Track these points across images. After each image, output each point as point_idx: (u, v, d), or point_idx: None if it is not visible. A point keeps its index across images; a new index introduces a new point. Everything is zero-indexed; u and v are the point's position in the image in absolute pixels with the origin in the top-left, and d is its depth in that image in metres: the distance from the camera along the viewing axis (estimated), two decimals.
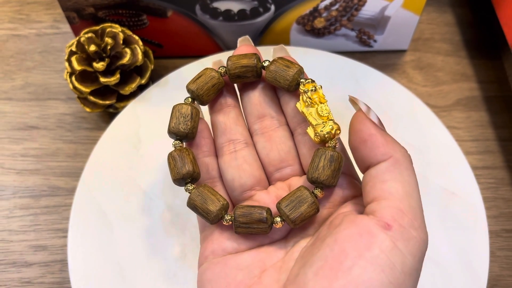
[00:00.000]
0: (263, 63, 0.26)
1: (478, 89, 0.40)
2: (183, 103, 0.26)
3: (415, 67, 0.41)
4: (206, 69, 0.26)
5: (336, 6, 0.37)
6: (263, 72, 0.26)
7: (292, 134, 0.27)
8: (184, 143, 0.26)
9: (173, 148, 0.25)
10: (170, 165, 0.25)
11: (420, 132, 0.36)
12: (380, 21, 0.39)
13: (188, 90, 0.26)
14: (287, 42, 0.41)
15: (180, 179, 0.25)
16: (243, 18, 0.38)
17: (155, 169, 0.35)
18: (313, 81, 0.25)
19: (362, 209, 0.23)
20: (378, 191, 0.21)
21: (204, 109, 0.29)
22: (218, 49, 0.41)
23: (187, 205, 0.25)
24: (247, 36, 0.28)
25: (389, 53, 0.42)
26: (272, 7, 0.37)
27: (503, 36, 0.39)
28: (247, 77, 0.26)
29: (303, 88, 0.25)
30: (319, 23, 0.39)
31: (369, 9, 0.38)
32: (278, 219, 0.24)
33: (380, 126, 0.22)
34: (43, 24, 0.44)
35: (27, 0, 0.45)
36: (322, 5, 0.37)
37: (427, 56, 0.42)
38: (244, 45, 0.27)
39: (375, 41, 0.41)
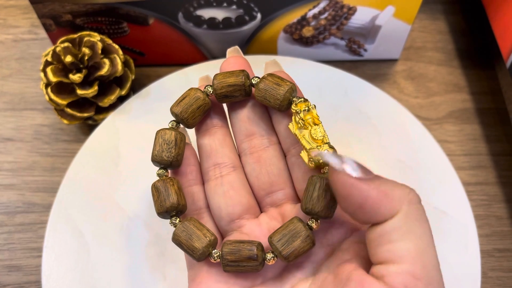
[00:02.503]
0: (253, 80, 0.24)
1: (471, 100, 0.39)
2: (166, 129, 0.24)
3: (407, 77, 0.40)
4: (191, 89, 0.24)
5: (325, 15, 0.36)
6: (253, 90, 0.24)
7: (284, 154, 0.25)
8: (169, 171, 0.24)
9: (157, 177, 0.24)
10: (153, 197, 0.23)
11: (410, 148, 0.35)
12: (370, 30, 0.37)
13: (172, 113, 0.24)
14: (275, 51, 0.39)
15: (164, 213, 0.23)
16: (228, 27, 0.37)
17: (135, 186, 0.33)
18: (305, 100, 0.23)
19: (366, 250, 0.21)
20: (386, 253, 0.19)
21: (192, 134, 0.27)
22: (203, 57, 0.40)
23: (172, 241, 0.23)
24: (237, 47, 0.26)
25: (380, 62, 0.40)
26: (259, 16, 0.36)
27: (496, 45, 0.37)
28: (235, 97, 0.24)
29: (295, 108, 0.23)
30: (308, 32, 0.37)
31: (359, 18, 0.36)
32: (270, 255, 0.22)
33: (367, 175, 0.19)
34: (20, 29, 0.42)
35: (3, 4, 0.43)
36: (311, 13, 0.36)
37: (419, 65, 0.40)
38: (233, 57, 0.25)
39: (365, 50, 0.39)
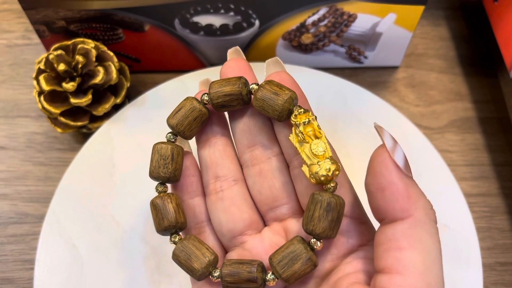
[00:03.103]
0: (251, 87, 0.22)
1: (473, 109, 0.38)
2: (163, 142, 0.23)
3: (408, 85, 0.39)
4: (187, 99, 0.23)
5: (325, 22, 0.35)
6: (253, 99, 0.23)
7: (287, 165, 0.24)
8: (168, 185, 0.23)
9: (153, 190, 0.23)
10: (152, 215, 0.23)
11: (411, 158, 0.34)
12: (371, 38, 0.36)
13: (169, 125, 0.23)
14: None
15: (163, 231, 0.22)
16: (226, 33, 0.36)
17: (130, 198, 0.32)
18: (306, 111, 0.21)
19: (370, 266, 0.20)
20: (392, 260, 0.18)
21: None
22: (200, 64, 0.39)
23: (172, 259, 0.22)
24: (238, 48, 0.25)
25: (381, 69, 0.40)
26: (257, 22, 0.35)
27: (499, 52, 0.37)
28: (233, 106, 0.23)
29: (295, 120, 0.21)
30: (307, 39, 0.37)
31: (360, 25, 0.35)
32: (271, 276, 0.21)
33: (405, 171, 0.18)
34: (14, 34, 0.41)
35: None
36: (310, 20, 0.35)
37: (420, 73, 0.40)
38: (234, 59, 0.24)
39: (365, 57, 0.38)
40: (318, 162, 0.21)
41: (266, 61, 0.25)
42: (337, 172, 0.21)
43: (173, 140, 0.23)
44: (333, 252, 0.21)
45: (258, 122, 0.23)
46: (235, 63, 0.23)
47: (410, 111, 0.38)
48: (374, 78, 0.39)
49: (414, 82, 0.39)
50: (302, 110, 0.22)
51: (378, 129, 0.20)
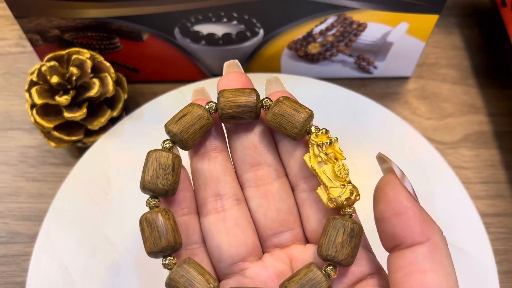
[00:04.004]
0: (264, 102, 0.21)
1: (489, 122, 0.36)
2: (162, 150, 0.20)
3: (419, 96, 0.37)
4: (192, 105, 0.21)
5: (333, 31, 0.33)
6: (262, 112, 0.22)
7: (292, 188, 0.22)
8: (160, 199, 0.21)
9: (147, 208, 0.20)
10: (143, 233, 0.20)
11: (423, 176, 0.32)
12: (381, 48, 0.35)
13: (169, 132, 0.21)
14: (278, 69, 0.37)
15: (158, 252, 0.20)
16: (229, 43, 0.34)
17: (127, 218, 0.31)
18: (327, 131, 0.20)
19: None
20: (417, 283, 0.17)
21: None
22: (201, 74, 0.37)
23: (166, 286, 0.20)
24: (236, 61, 0.23)
25: (391, 80, 0.38)
26: (261, 31, 0.33)
27: None
28: (243, 118, 0.21)
29: (316, 140, 0.20)
30: (314, 48, 0.35)
31: (370, 35, 0.34)
32: None
33: (416, 199, 0.19)
34: (7, 41, 0.40)
35: None
36: (317, 30, 0.33)
37: (432, 84, 0.38)
38: (236, 72, 0.22)
39: (375, 67, 0.37)
40: (340, 186, 0.20)
41: (266, 79, 0.23)
42: (358, 198, 0.20)
43: (170, 149, 0.21)
44: (344, 281, 0.20)
45: (264, 140, 0.22)
46: (237, 76, 0.22)
47: (421, 125, 0.36)
48: (384, 89, 0.37)
49: (425, 93, 0.37)
50: (323, 130, 0.21)
51: (385, 158, 0.19)
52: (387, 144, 0.33)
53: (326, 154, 0.20)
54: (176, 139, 0.21)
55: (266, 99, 0.21)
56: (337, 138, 0.20)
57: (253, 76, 0.32)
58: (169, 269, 0.20)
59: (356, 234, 0.19)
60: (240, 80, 0.22)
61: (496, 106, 0.37)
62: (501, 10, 0.37)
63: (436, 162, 0.32)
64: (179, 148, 0.22)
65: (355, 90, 0.34)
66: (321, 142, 0.20)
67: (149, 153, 0.21)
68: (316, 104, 0.35)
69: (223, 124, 0.22)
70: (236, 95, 0.21)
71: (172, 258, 0.20)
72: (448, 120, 0.36)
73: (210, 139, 0.22)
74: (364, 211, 0.24)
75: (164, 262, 0.20)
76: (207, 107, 0.21)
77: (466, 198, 0.31)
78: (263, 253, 0.22)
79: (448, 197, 0.32)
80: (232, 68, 0.23)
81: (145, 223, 0.20)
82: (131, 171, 0.32)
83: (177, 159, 0.21)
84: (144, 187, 0.20)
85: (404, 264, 0.18)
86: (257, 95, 0.21)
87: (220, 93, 0.21)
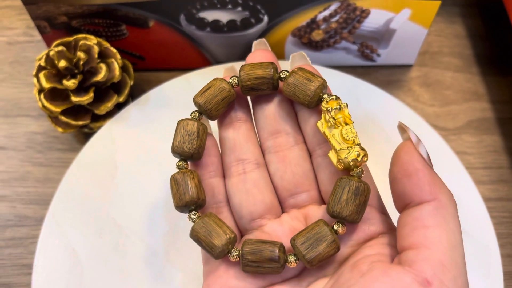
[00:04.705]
0: (281, 74, 0.23)
1: (491, 109, 0.36)
2: (189, 119, 0.23)
3: (422, 84, 0.38)
4: (216, 79, 0.23)
5: (336, 18, 0.34)
6: (280, 84, 0.23)
7: (309, 154, 0.24)
8: (189, 163, 0.23)
9: (176, 170, 0.23)
10: (172, 190, 0.22)
11: None
12: (384, 35, 0.35)
13: (195, 103, 0.23)
14: (282, 56, 0.37)
15: (183, 206, 0.22)
16: (233, 30, 0.34)
17: (132, 201, 0.31)
18: (337, 98, 0.22)
19: (392, 251, 0.20)
20: (419, 237, 0.19)
21: (213, 123, 0.26)
22: (206, 62, 0.37)
23: (190, 237, 0.22)
24: (264, 40, 0.25)
25: (394, 68, 0.38)
26: (265, 18, 0.34)
27: None
28: (262, 90, 0.23)
29: (326, 106, 0.22)
30: (317, 35, 0.35)
31: (373, 22, 0.34)
32: (292, 258, 0.21)
33: (429, 163, 0.20)
34: (15, 31, 0.40)
35: None
36: (321, 16, 0.34)
37: (435, 72, 0.38)
38: (260, 50, 0.24)
39: (378, 55, 0.37)
40: (348, 148, 0.21)
41: (292, 54, 0.25)
42: (365, 159, 0.21)
43: (198, 118, 0.23)
44: (354, 238, 0.21)
45: (283, 110, 0.24)
46: (262, 53, 0.24)
47: (424, 111, 0.36)
48: (387, 77, 0.38)
49: (428, 81, 0.38)
50: (333, 97, 0.22)
51: (404, 127, 0.21)
52: (391, 129, 0.33)
53: (334, 118, 0.21)
54: (202, 109, 0.23)
55: (283, 71, 0.23)
56: (346, 104, 0.22)
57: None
58: (193, 222, 0.22)
59: (361, 193, 0.20)
60: (265, 57, 0.24)
61: (498, 94, 0.37)
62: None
63: (439, 147, 0.33)
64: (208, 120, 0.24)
65: (358, 77, 0.35)
66: (330, 108, 0.21)
67: (178, 122, 0.23)
68: None
69: (248, 98, 0.24)
70: (255, 68, 0.23)
71: (196, 212, 0.22)
72: (451, 107, 0.37)
73: (235, 111, 0.24)
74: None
75: (189, 216, 0.22)
76: (230, 81, 0.23)
77: (469, 182, 0.32)
78: (283, 212, 0.24)
79: (451, 181, 0.32)
80: (259, 46, 0.25)
81: (173, 182, 0.22)
82: (137, 155, 0.33)
83: (201, 126, 0.23)
84: (173, 151, 0.23)
85: (410, 220, 0.19)
86: (274, 68, 0.23)
87: (241, 67, 0.23)
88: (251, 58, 0.24)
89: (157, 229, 0.30)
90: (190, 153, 0.22)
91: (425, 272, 0.18)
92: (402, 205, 0.20)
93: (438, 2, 0.32)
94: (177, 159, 0.23)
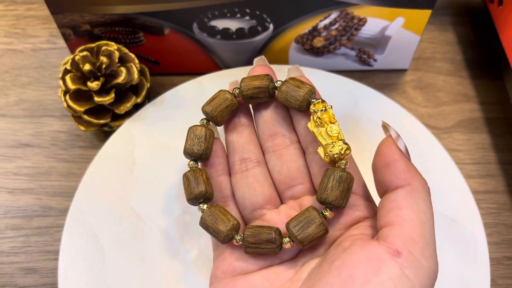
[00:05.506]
0: (276, 83, 0.26)
1: (480, 110, 0.39)
2: (197, 125, 0.26)
3: (416, 87, 0.40)
4: (221, 91, 0.27)
5: (336, 26, 0.37)
6: (276, 92, 0.27)
7: (303, 151, 0.27)
8: (199, 163, 0.27)
9: (188, 168, 0.26)
10: (184, 185, 0.26)
11: (420, 155, 0.35)
12: (380, 41, 0.38)
13: (203, 111, 0.27)
14: (286, 61, 0.40)
15: (193, 199, 0.25)
16: (241, 37, 0.38)
17: (149, 192, 0.34)
18: (323, 101, 0.25)
19: (374, 231, 0.23)
20: (393, 216, 0.21)
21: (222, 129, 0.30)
22: (216, 66, 0.41)
23: (200, 225, 0.25)
24: (263, 56, 0.29)
25: (389, 72, 0.41)
26: (271, 26, 0.37)
27: (504, 55, 0.38)
28: (260, 98, 0.26)
29: (313, 108, 0.25)
30: (318, 42, 0.38)
31: (369, 29, 0.37)
32: (287, 239, 0.24)
33: (406, 155, 0.22)
34: (39, 39, 0.43)
35: (23, 14, 0.45)
36: (322, 24, 0.37)
37: (427, 75, 0.41)
38: (260, 65, 0.28)
39: (375, 60, 0.40)
40: (332, 142, 0.24)
41: (288, 67, 0.29)
42: (348, 152, 0.24)
43: (206, 124, 0.27)
44: (342, 222, 0.24)
45: (279, 115, 0.27)
46: (261, 68, 0.28)
47: (418, 112, 0.39)
48: (384, 80, 0.41)
49: (422, 84, 0.41)
50: (319, 100, 0.25)
51: (386, 125, 0.24)
52: None
53: (320, 118, 0.24)
54: (209, 117, 0.27)
55: (278, 81, 0.26)
56: (331, 106, 0.25)
57: (276, 67, 0.36)
58: (202, 212, 0.25)
59: (345, 180, 0.23)
60: (263, 71, 0.28)
61: (487, 95, 0.40)
62: (489, 6, 0.40)
63: (432, 144, 0.35)
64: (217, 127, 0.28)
65: (357, 81, 0.38)
66: (317, 109, 0.25)
67: (189, 128, 0.27)
68: (321, 92, 0.38)
69: (250, 106, 0.28)
70: (253, 80, 0.26)
71: (204, 204, 0.25)
72: (442, 107, 0.39)
73: (238, 117, 0.28)
74: (369, 180, 0.27)
75: (199, 207, 0.25)
76: (233, 92, 0.27)
77: (459, 177, 0.34)
78: (282, 203, 0.27)
79: (442, 175, 0.35)
80: (259, 62, 0.28)
81: (185, 178, 0.26)
82: (153, 151, 0.35)
83: (208, 131, 0.26)
84: (185, 152, 0.26)
85: (387, 203, 0.22)
86: (270, 79, 0.26)
87: (242, 80, 0.27)
88: (252, 73, 0.27)
89: (171, 216, 0.33)
90: (199, 154, 0.26)
91: (396, 244, 0.20)
92: (382, 191, 0.23)
93: (429, 11, 0.35)
94: (189, 160, 0.26)
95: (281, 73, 0.34)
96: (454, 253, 0.32)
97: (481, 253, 0.32)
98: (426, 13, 0.36)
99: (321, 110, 0.24)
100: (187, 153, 0.26)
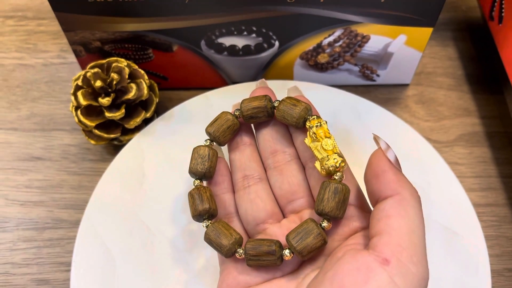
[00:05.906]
0: (274, 103, 0.28)
1: (481, 124, 0.40)
2: (201, 145, 0.28)
3: (418, 101, 0.41)
4: (223, 112, 0.28)
5: (340, 43, 0.38)
6: (275, 111, 0.28)
7: (303, 166, 0.28)
8: (204, 181, 0.28)
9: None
10: (189, 203, 0.27)
11: (421, 169, 0.36)
12: (383, 57, 0.39)
13: (207, 132, 0.28)
14: (291, 77, 0.41)
15: (198, 216, 0.26)
16: (248, 53, 0.39)
17: (159, 204, 0.35)
18: (318, 117, 0.26)
19: (368, 241, 0.23)
20: (382, 225, 0.22)
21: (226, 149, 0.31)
22: (223, 82, 0.42)
23: (204, 240, 0.26)
24: (264, 79, 0.30)
25: (392, 87, 0.42)
26: (277, 43, 0.38)
27: (504, 70, 0.39)
28: (259, 117, 0.28)
29: (309, 124, 0.26)
30: (323, 58, 0.39)
31: (372, 46, 0.38)
32: (287, 251, 0.25)
33: (396, 165, 0.23)
34: (50, 53, 0.44)
35: (34, 29, 0.46)
36: (326, 41, 0.38)
37: (429, 90, 0.42)
38: (260, 88, 0.29)
39: (378, 75, 0.41)
40: (327, 156, 0.25)
41: (287, 88, 0.30)
42: (343, 164, 0.25)
43: (210, 144, 0.28)
44: (340, 233, 0.25)
45: (279, 133, 0.28)
46: (261, 90, 0.29)
47: (420, 126, 0.40)
48: (386, 95, 0.42)
49: (424, 98, 0.42)
50: (315, 116, 0.26)
51: (376, 137, 0.25)
52: (389, 142, 0.37)
53: (315, 133, 0.25)
54: (212, 137, 0.28)
55: (276, 101, 0.28)
56: (326, 121, 0.26)
57: (269, 83, 0.37)
58: (206, 227, 0.26)
59: (340, 192, 0.24)
60: (264, 93, 0.29)
61: (487, 110, 0.41)
62: (489, 24, 0.41)
63: (433, 158, 0.36)
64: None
65: (359, 95, 0.39)
66: (312, 125, 0.26)
67: (193, 149, 0.28)
68: (325, 107, 0.39)
69: (252, 126, 0.29)
70: (252, 100, 0.28)
71: (209, 221, 0.26)
72: (444, 122, 0.40)
73: (240, 136, 0.29)
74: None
75: (203, 224, 0.26)
76: (235, 112, 0.28)
77: (461, 190, 0.35)
78: (284, 217, 0.28)
79: (444, 189, 0.35)
80: (260, 85, 0.30)
81: (190, 196, 0.27)
82: (163, 164, 0.36)
83: (211, 151, 0.28)
84: (190, 171, 0.27)
85: (377, 212, 0.23)
86: (268, 99, 0.28)
87: (242, 101, 0.28)
88: (253, 94, 0.29)
89: (181, 229, 0.34)
90: (202, 172, 0.27)
91: (385, 253, 0.21)
92: (374, 202, 0.23)
93: (431, 29, 0.37)
94: (193, 179, 0.28)
95: (285, 88, 0.35)
96: (456, 265, 0.33)
97: (482, 265, 0.32)
98: (427, 31, 0.37)
99: (316, 126, 0.26)
100: (192, 172, 0.27)
